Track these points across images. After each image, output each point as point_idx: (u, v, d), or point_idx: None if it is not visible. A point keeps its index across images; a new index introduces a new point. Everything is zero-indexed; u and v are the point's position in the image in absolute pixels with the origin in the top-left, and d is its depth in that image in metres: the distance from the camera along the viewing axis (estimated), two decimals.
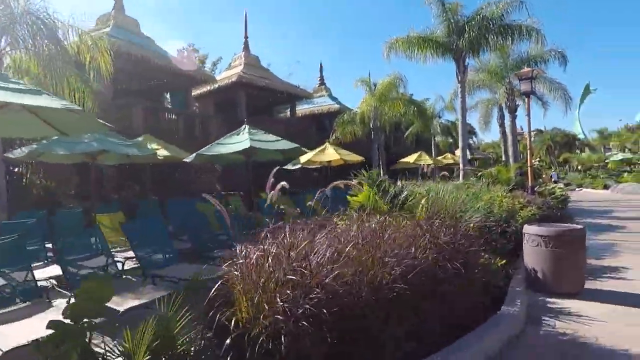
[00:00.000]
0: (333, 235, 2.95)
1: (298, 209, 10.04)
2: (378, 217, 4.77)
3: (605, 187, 27.43)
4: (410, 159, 19.07)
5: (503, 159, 18.10)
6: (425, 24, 13.69)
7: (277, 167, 3.60)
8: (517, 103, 15.92)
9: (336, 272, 2.35)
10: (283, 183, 3.19)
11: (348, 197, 5.92)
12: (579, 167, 37.39)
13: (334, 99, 25.86)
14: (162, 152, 9.43)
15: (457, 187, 8.53)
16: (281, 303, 2.04)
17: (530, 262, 5.31)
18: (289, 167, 15.21)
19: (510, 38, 12.40)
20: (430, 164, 17.00)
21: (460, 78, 12.80)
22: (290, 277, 2.14)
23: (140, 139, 9.96)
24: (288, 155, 8.80)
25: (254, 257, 2.47)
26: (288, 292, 2.08)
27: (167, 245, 5.97)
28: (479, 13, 12.23)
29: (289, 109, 24.20)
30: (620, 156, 37.37)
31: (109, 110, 12.82)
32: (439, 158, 22.55)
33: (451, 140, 29.78)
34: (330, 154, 12.03)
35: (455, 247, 3.58)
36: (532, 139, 53.38)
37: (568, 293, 4.96)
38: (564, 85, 16.02)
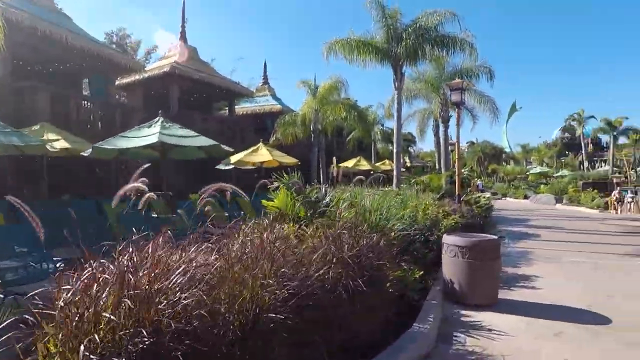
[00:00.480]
0: (207, 250, 2.39)
1: (226, 213, 9.30)
2: (290, 225, 4.31)
3: (526, 197, 29.85)
4: (349, 163, 19.05)
5: (437, 167, 18.76)
6: (366, 28, 13.63)
7: (147, 164, 2.94)
8: (450, 114, 16.58)
9: (187, 302, 1.80)
10: (138, 184, 2.51)
11: (263, 202, 5.40)
12: (505, 178, 40.52)
13: (277, 99, 25.26)
14: (62, 144, 8.15)
15: (386, 193, 8.40)
16: (86, 354, 1.45)
17: (448, 273, 5.17)
18: (221, 167, 14.34)
19: (445, 49, 12.77)
20: (342, 169, 17.14)
21: (397, 85, 12.91)
22: (106, 314, 1.55)
23: (36, 127, 8.56)
24: (211, 154, 8.06)
25: (81, 282, 1.83)
26: (98, 337, 1.49)
27: (40, 255, 5.01)
28: (416, 22, 12.43)
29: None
30: (538, 169, 41.14)
31: (5, 93, 11.05)
32: (378, 164, 22.91)
33: (391, 147, 30.58)
34: (263, 154, 11.42)
35: (360, 261, 3.20)
36: (465, 150, 56.80)
37: (482, 305, 4.88)
38: (492, 98, 17.04)
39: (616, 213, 19.44)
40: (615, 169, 38.19)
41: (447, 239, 5.23)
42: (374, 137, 25.77)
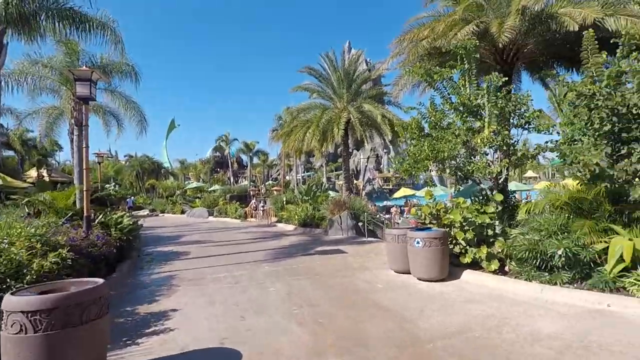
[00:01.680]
0: None
1: None
2: None
3: (183, 211, 30.36)
4: None
5: (75, 182, 14.84)
6: None
7: None
8: (89, 115, 13.42)
9: None
10: None
11: None
12: (163, 194, 40.01)
13: None
14: None
15: None
16: None
17: None
18: None
19: (76, 28, 9.87)
20: None
21: None
22: None
23: None
24: None
25: None
26: None
27: None
28: None
29: None
30: (195, 184, 43.71)
31: None
32: None
33: (11, 153, 22.43)
34: None
35: None
36: (125, 163, 52.08)
37: None
38: (138, 104, 15.28)
39: (254, 220, 22.90)
40: (252, 183, 46.78)
41: (9, 301, 2.94)
42: None
